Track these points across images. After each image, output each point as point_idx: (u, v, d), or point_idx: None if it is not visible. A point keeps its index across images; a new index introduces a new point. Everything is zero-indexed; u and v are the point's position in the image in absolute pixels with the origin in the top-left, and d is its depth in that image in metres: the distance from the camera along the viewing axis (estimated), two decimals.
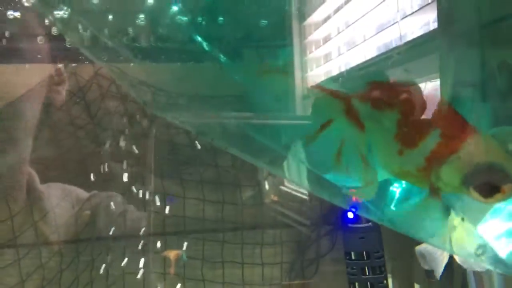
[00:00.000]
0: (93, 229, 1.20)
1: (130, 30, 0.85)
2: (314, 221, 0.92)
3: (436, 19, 1.11)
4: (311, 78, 1.72)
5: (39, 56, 0.92)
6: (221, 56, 0.88)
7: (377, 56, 1.35)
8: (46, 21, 0.82)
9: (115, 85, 0.94)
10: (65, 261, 1.10)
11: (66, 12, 0.73)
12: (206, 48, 0.86)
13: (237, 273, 0.97)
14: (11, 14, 0.82)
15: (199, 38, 0.86)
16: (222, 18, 1.10)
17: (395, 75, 1.24)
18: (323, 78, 1.71)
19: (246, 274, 0.96)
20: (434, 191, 0.61)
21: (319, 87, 0.70)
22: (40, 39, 0.86)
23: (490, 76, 0.84)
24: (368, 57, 1.38)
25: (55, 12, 0.73)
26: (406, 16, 1.20)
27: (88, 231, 1.22)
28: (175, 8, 0.88)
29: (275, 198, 1.01)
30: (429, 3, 1.12)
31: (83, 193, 1.36)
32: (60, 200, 1.32)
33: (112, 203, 1.29)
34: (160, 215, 0.99)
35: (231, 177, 1.06)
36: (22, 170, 1.20)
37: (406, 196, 0.70)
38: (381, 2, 1.29)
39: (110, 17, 0.81)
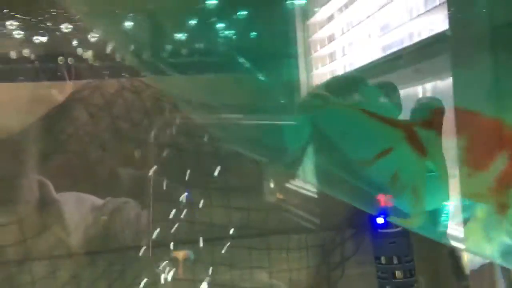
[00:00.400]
0: (115, 238, 1.21)
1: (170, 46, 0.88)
2: (338, 224, 0.95)
3: (445, 19, 1.13)
4: (316, 76, 1.74)
5: (62, 74, 0.94)
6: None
7: (387, 56, 1.36)
8: (75, 42, 0.84)
9: (139, 99, 0.96)
10: (94, 271, 1.11)
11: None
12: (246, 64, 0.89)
13: (264, 278, 0.99)
14: (37, 38, 0.84)
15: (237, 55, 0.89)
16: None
17: (405, 75, 1.26)
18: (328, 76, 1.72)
19: (273, 278, 0.98)
20: (501, 208, 0.63)
21: (378, 116, 0.72)
22: (60, 59, 0.89)
23: (505, 80, 0.86)
24: (378, 56, 1.39)
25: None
26: (419, 16, 1.22)
27: (109, 240, 1.23)
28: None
29: (299, 203, 1.03)
30: (438, 5, 1.15)
31: (98, 200, 1.36)
32: (76, 208, 1.33)
33: (128, 209, 1.30)
34: (187, 222, 1.01)
35: (255, 183, 1.08)
36: (30, 180, 1.21)
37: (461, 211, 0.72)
38: (390, 2, 1.31)
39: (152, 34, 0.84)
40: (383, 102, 1.13)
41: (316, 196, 0.99)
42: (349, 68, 1.60)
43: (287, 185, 1.10)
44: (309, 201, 1.02)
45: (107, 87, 0.99)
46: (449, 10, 1.07)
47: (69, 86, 0.97)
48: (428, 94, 1.29)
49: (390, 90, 1.19)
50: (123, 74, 0.93)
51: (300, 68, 1.71)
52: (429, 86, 1.31)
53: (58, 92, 0.97)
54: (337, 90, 1.08)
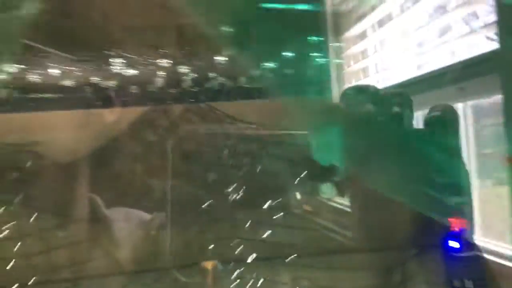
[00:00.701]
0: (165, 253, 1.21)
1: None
2: (401, 244, 0.94)
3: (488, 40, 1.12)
4: None
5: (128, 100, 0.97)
6: None
7: (429, 73, 1.35)
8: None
9: (204, 121, 0.97)
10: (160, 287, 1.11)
11: None
12: None
13: None
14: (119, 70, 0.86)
15: None
16: None
17: (449, 93, 1.26)
18: None
19: None
20: None
21: None
22: (134, 88, 0.91)
23: None
24: (416, 73, 1.39)
25: None
26: (461, 36, 1.22)
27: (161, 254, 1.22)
28: None
29: (360, 223, 1.03)
30: (483, 26, 1.15)
31: (145, 215, 1.36)
32: (125, 223, 1.33)
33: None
34: (252, 241, 1.01)
35: (315, 202, 1.08)
36: (83, 196, 1.21)
37: None
38: (433, 21, 1.31)
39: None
40: (396, 111, 1.13)
41: (378, 216, 0.99)
42: (385, 84, 1.59)
43: (348, 205, 1.09)
44: (370, 221, 1.02)
45: (173, 110, 1.00)
46: (499, 30, 1.07)
47: (135, 111, 0.98)
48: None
49: (403, 99, 1.19)
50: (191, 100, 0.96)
51: (332, 83, 1.71)
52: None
53: (124, 116, 0.98)
54: (351, 100, 1.08)
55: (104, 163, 1.06)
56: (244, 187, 1.06)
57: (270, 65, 1.17)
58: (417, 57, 1.44)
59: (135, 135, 1.01)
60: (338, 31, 1.76)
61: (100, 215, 1.28)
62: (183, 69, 0.85)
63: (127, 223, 1.33)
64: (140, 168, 1.08)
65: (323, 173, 1.12)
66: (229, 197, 1.03)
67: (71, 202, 1.15)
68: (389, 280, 0.95)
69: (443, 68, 1.27)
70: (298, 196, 1.15)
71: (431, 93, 1.27)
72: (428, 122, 1.14)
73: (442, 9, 1.32)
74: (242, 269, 1.02)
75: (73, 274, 1.12)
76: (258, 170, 1.01)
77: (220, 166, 1.02)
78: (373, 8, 1.58)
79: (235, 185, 1.01)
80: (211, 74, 0.87)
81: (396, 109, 1.17)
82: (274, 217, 1.07)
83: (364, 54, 1.70)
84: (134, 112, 0.98)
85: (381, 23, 1.57)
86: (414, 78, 1.41)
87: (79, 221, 1.19)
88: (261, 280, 0.99)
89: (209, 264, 1.13)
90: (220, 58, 0.90)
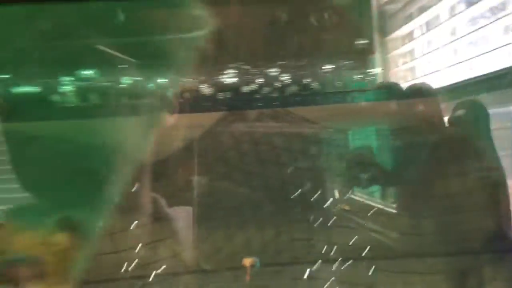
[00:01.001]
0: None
1: None
2: (476, 248, 0.92)
3: None
4: None
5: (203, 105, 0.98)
6: None
7: (486, 74, 1.32)
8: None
9: (279, 124, 0.97)
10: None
11: None
12: None
13: None
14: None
15: None
16: None
17: (507, 97, 1.23)
18: None
19: None
20: None
21: None
22: (211, 90, 0.92)
23: None
24: (473, 75, 1.36)
25: None
26: None
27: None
28: None
29: (433, 225, 1.01)
30: None
31: None
32: (187, 222, 1.32)
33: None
34: (321, 241, 1.00)
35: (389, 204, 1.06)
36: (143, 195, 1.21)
37: None
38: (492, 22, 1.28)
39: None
40: None
41: (452, 217, 0.97)
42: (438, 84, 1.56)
43: (420, 206, 1.07)
44: (444, 223, 1.00)
45: (249, 114, 0.99)
46: None
47: (212, 116, 0.98)
48: None
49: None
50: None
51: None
52: None
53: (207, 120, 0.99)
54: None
55: (179, 164, 1.06)
56: (311, 188, 1.05)
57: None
58: (471, 59, 1.41)
59: (212, 138, 1.01)
60: (384, 32, 1.73)
61: (163, 215, 1.28)
62: (285, 77, 0.85)
63: (189, 222, 1.33)
64: (218, 170, 1.08)
65: (387, 177, 1.10)
66: (298, 199, 1.02)
67: (143, 202, 1.16)
68: (464, 285, 0.93)
69: (503, 70, 1.24)
70: (337, 195, 1.14)
71: (488, 95, 1.24)
72: (453, 121, 1.11)
73: (498, 10, 1.29)
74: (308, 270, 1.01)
75: (141, 272, 1.12)
76: (322, 171, 1.01)
77: (291, 168, 1.01)
78: (421, 10, 1.56)
79: (307, 186, 1.00)
80: (305, 81, 0.88)
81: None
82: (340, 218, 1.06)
83: (411, 54, 1.68)
84: (211, 117, 0.98)
85: (429, 24, 1.55)
86: (470, 79, 1.38)
87: (148, 221, 1.19)
88: (334, 283, 0.98)
89: (247, 261, 1.12)
90: (327, 67, 0.90)
